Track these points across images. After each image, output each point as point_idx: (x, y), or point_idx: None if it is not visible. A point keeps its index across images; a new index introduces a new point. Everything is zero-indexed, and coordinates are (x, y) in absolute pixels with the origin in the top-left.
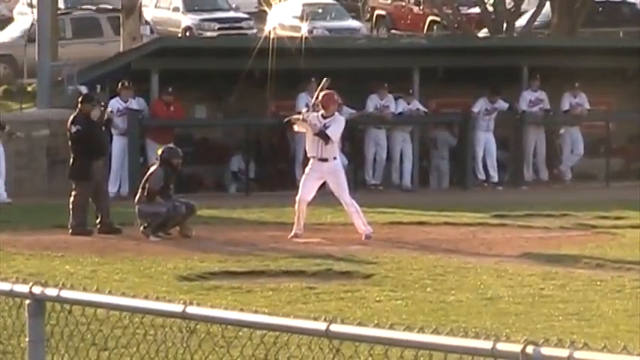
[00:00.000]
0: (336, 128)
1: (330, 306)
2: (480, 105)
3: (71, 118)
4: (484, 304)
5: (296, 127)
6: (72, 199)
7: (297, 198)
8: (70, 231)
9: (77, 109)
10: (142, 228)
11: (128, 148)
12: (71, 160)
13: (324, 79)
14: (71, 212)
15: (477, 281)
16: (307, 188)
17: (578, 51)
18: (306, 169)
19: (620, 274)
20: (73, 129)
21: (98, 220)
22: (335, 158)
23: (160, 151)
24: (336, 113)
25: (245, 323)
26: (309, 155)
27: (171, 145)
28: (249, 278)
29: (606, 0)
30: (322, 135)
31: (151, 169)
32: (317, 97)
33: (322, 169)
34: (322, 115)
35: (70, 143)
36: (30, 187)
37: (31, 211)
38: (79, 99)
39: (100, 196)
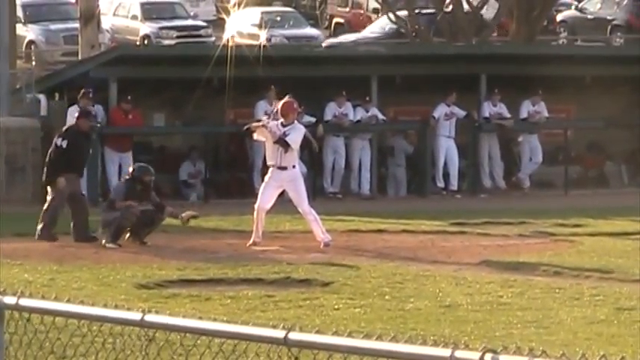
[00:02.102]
0: (296, 136)
1: (288, 314)
2: (440, 110)
3: (60, 132)
4: (442, 311)
5: (256, 135)
6: (46, 205)
7: (256, 206)
8: (37, 235)
9: (70, 124)
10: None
11: None
12: (47, 169)
13: (271, 87)
14: (41, 216)
15: (436, 289)
16: (266, 196)
17: (537, 59)
18: (266, 178)
19: (579, 282)
20: (60, 142)
21: (72, 227)
22: (294, 167)
23: (131, 169)
24: (296, 122)
25: (203, 331)
26: (268, 163)
27: (143, 164)
28: (208, 286)
29: None
30: (282, 143)
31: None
32: (277, 106)
33: (281, 178)
34: (282, 124)
35: (51, 154)
36: None
37: None
38: (77, 114)
39: (77, 206)
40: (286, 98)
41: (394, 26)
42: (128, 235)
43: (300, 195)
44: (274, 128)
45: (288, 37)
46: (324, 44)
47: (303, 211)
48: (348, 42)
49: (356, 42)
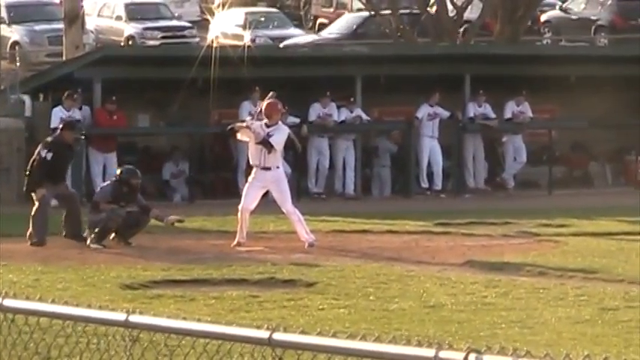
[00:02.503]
0: (280, 137)
1: (273, 314)
2: (423, 110)
3: (44, 142)
4: (427, 312)
5: (239, 135)
6: (33, 212)
7: (240, 207)
8: (29, 243)
9: (55, 134)
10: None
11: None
12: (28, 178)
13: (270, 92)
14: (31, 224)
15: (420, 289)
16: (250, 197)
17: (521, 59)
18: (249, 178)
19: (563, 282)
20: (45, 154)
21: (63, 224)
22: (278, 167)
23: (118, 171)
24: (280, 122)
25: (188, 331)
26: (252, 164)
27: (130, 166)
28: (193, 287)
29: None
30: (265, 143)
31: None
32: (261, 106)
33: (265, 178)
34: (266, 124)
35: (32, 163)
36: None
37: None
38: (61, 125)
39: (71, 204)
40: (270, 99)
41: (354, 26)
42: (113, 235)
43: (284, 195)
44: (258, 129)
45: (273, 37)
46: (281, 45)
47: (287, 211)
48: (306, 42)
49: (313, 43)
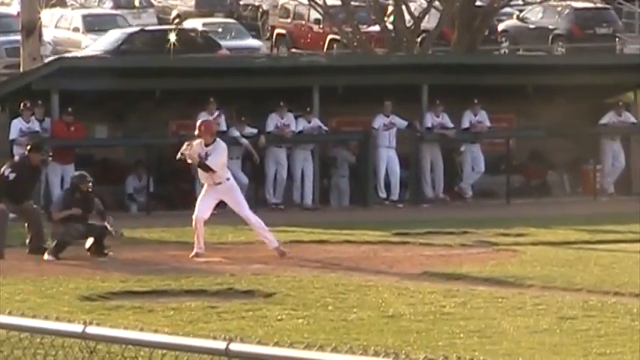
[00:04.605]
0: (216, 158)
1: (231, 325)
2: (379, 121)
3: (11, 162)
4: (385, 321)
5: (189, 160)
6: None
7: (194, 216)
8: None
9: (21, 156)
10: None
11: None
12: None
13: (210, 99)
14: None
15: (378, 299)
16: (203, 206)
17: (479, 68)
18: (202, 190)
19: (521, 291)
20: (7, 173)
21: (28, 241)
22: (228, 179)
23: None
24: (217, 140)
25: (144, 343)
26: (203, 182)
27: (80, 172)
28: (151, 298)
29: None
30: (203, 166)
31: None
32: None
33: (217, 190)
34: (204, 144)
35: None
36: None
37: None
38: (28, 147)
39: (31, 218)
40: (205, 119)
41: (119, 43)
42: (89, 247)
43: (239, 203)
44: (197, 149)
45: (230, 48)
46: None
47: (246, 217)
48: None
49: (83, 57)
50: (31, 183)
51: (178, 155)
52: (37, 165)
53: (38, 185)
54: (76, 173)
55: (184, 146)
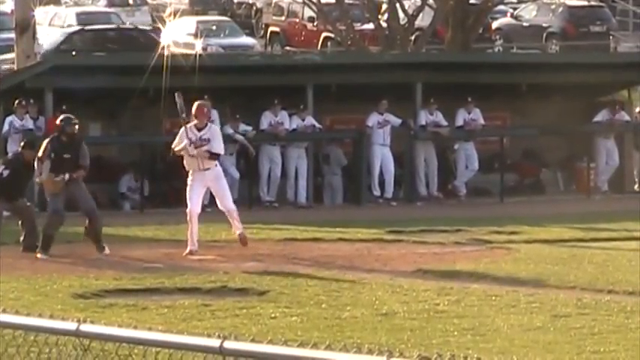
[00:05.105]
0: (218, 142)
1: (225, 323)
2: (373, 119)
3: (4, 159)
4: (379, 319)
5: (182, 152)
6: None
7: (188, 210)
8: None
9: (14, 153)
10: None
11: None
12: None
13: (176, 94)
14: None
15: (372, 297)
16: (196, 198)
17: (472, 66)
18: (189, 181)
19: (515, 289)
20: (2, 171)
21: (22, 238)
22: (217, 165)
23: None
24: (209, 123)
25: (138, 340)
26: (189, 169)
27: (66, 115)
28: (145, 296)
29: None
30: (213, 156)
31: None
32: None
33: (205, 177)
34: (196, 127)
35: None
36: None
37: None
38: (22, 144)
39: (26, 218)
40: (200, 101)
41: (59, 42)
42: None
43: (225, 194)
44: (190, 134)
45: (224, 46)
46: None
47: (228, 208)
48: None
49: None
50: (25, 180)
51: (173, 151)
52: (30, 161)
53: (31, 182)
54: (63, 116)
55: (178, 140)
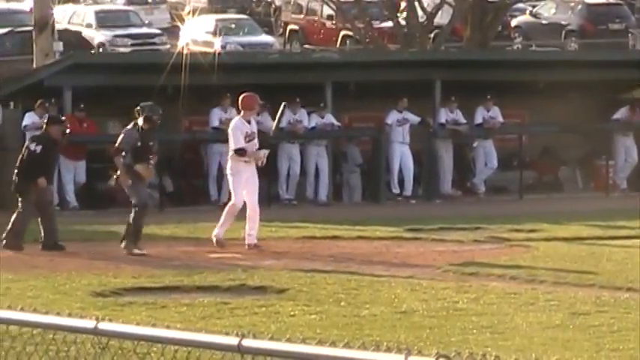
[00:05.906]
0: (269, 121)
1: (244, 321)
2: (392, 117)
3: (34, 136)
4: (398, 317)
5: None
6: (15, 214)
7: (233, 202)
8: (3, 243)
9: (42, 129)
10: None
11: None
12: (17, 175)
13: (284, 104)
14: (10, 225)
15: (391, 295)
16: (241, 193)
17: (491, 64)
18: (230, 175)
19: (534, 287)
20: (34, 147)
21: (42, 235)
22: None
23: (137, 109)
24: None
25: (157, 339)
26: (248, 159)
27: (148, 102)
28: (163, 294)
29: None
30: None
31: None
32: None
33: (250, 171)
34: (246, 121)
35: (23, 159)
36: None
37: None
38: (46, 120)
39: (46, 214)
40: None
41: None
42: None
43: (256, 188)
44: (245, 128)
45: (243, 44)
46: None
47: (255, 205)
48: None
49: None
50: (55, 155)
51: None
52: (56, 138)
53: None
54: (146, 104)
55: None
